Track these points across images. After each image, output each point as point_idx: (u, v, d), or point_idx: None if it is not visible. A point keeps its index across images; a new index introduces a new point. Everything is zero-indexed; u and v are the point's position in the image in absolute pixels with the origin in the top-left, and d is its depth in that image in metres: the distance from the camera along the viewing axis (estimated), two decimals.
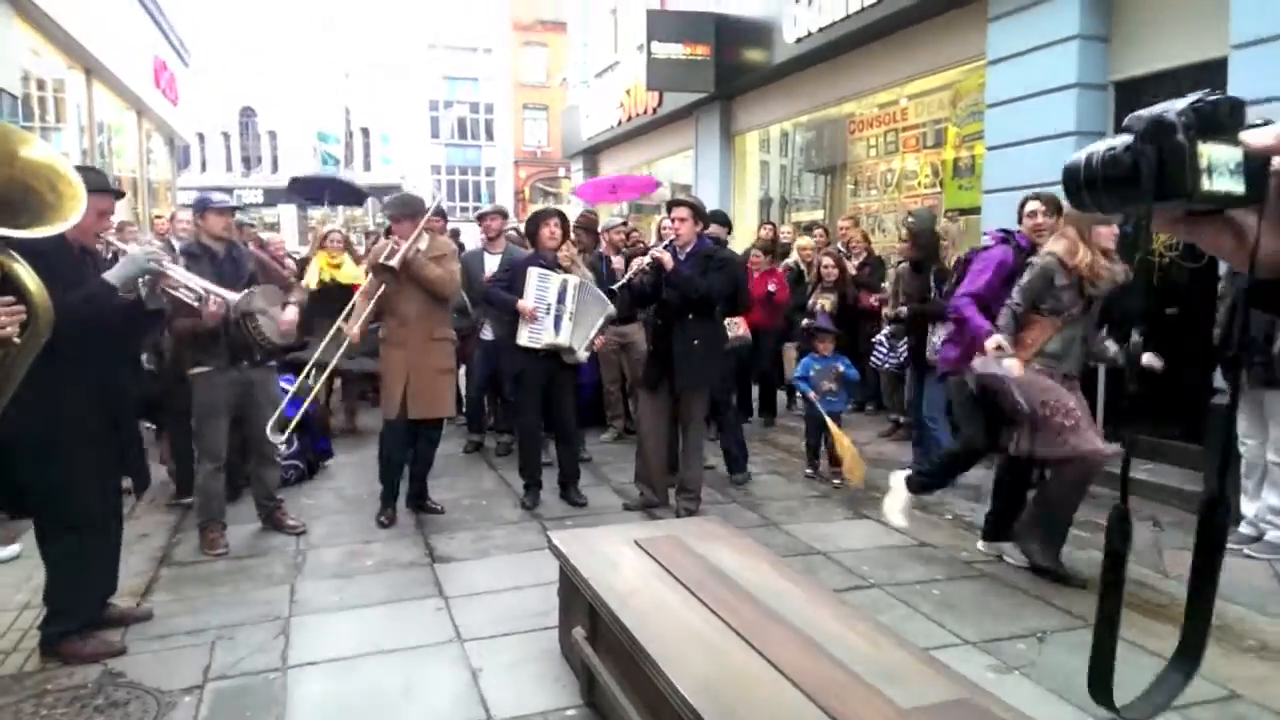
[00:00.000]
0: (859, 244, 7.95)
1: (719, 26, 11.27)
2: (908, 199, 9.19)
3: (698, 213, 5.15)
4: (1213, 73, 5.45)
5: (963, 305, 4.55)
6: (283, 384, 5.29)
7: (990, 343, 4.17)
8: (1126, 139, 0.71)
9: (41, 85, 9.61)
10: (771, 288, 7.39)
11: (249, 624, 3.72)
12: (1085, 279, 4.05)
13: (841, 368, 6.10)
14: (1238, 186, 0.70)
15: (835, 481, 5.80)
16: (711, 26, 11.30)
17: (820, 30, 9.08)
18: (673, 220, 5.15)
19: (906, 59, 8.68)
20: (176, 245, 4.95)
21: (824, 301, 7.13)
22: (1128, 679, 0.78)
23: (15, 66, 8.04)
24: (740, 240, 10.85)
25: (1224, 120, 0.70)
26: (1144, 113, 0.70)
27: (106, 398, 3.43)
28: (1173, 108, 0.69)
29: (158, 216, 9.52)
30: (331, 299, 6.24)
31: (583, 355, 5.49)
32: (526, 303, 5.25)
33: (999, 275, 4.48)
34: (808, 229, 9.55)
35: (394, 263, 4.80)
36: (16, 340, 2.23)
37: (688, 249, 5.09)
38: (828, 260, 7.41)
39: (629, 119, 14.60)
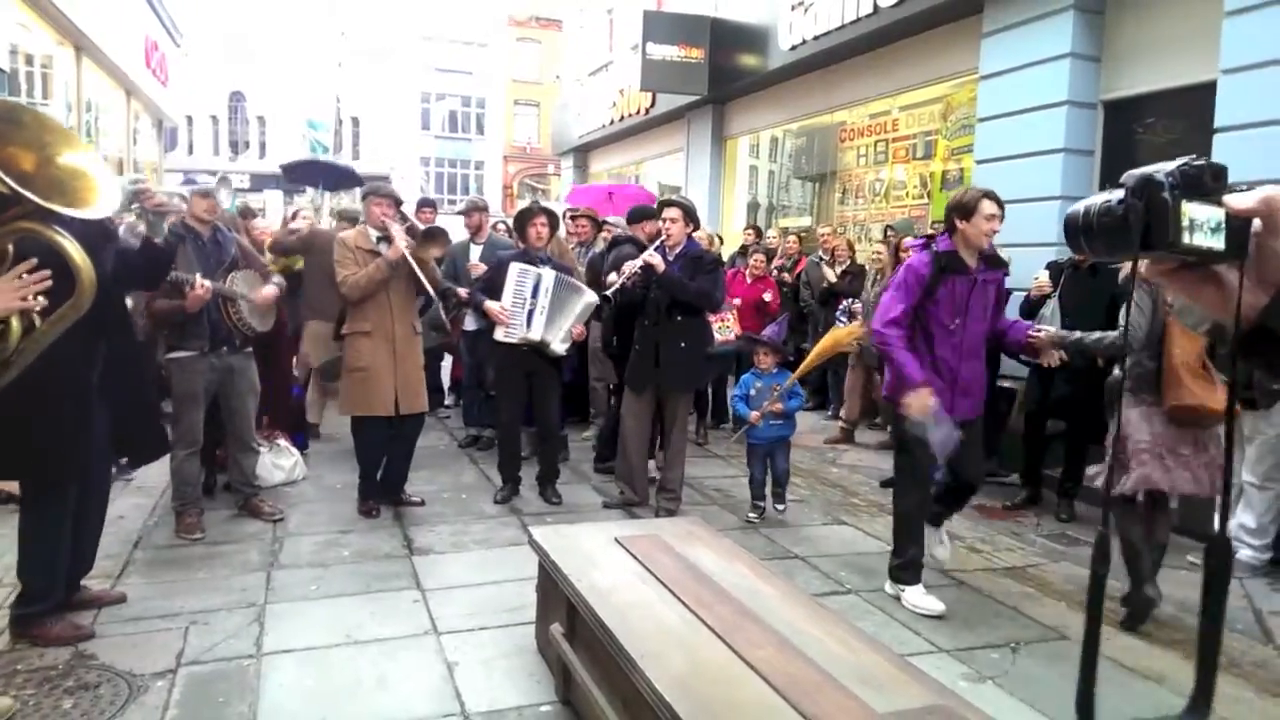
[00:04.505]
0: (843, 252, 8.00)
1: (715, 30, 11.31)
2: (895, 209, 9.24)
3: (688, 214, 5.17)
4: (1201, 96, 5.53)
5: (891, 339, 3.91)
6: None
7: (918, 399, 3.77)
8: (1120, 194, 0.79)
9: (30, 61, 9.49)
10: (767, 296, 7.42)
11: (224, 610, 3.70)
12: None
13: (780, 386, 5.22)
14: (1218, 244, 0.77)
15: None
16: (707, 30, 11.34)
17: (815, 39, 9.14)
18: (664, 221, 5.16)
19: (899, 71, 8.75)
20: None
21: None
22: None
23: (3, 41, 7.95)
24: (729, 245, 10.85)
25: (1207, 183, 0.77)
26: (1136, 171, 0.78)
27: (98, 359, 3.38)
28: (1162, 169, 0.77)
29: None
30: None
31: (560, 348, 5.34)
32: (505, 299, 5.22)
33: (920, 288, 3.97)
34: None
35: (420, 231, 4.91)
36: (36, 314, 2.29)
37: (677, 250, 5.11)
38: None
39: (621, 119, 14.62)
